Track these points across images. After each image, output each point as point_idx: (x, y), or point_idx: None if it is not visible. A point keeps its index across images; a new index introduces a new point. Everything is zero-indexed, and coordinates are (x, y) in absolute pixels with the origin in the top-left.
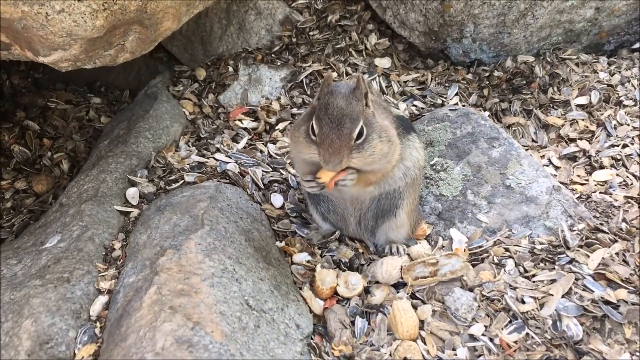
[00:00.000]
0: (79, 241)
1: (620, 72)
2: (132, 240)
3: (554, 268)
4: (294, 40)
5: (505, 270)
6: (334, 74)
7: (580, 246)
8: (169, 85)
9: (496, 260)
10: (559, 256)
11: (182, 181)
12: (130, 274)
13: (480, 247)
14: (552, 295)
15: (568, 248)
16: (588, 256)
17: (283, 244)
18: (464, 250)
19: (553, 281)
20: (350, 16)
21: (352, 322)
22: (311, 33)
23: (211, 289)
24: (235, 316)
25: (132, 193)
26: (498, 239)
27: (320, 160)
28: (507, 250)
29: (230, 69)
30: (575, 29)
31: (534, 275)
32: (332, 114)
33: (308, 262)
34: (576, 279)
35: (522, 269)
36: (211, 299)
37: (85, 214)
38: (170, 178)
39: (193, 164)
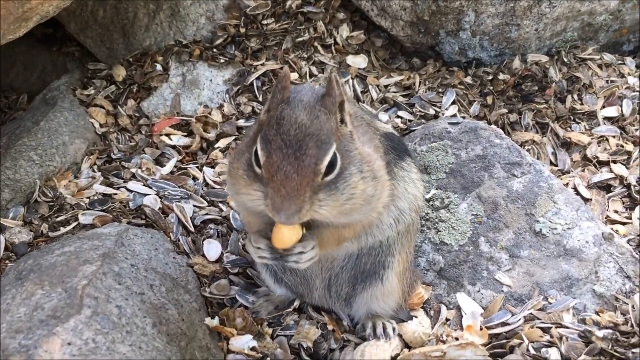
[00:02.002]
0: None
1: None
2: None
3: None
4: (242, 30)
5: None
6: (294, 75)
7: None
8: (76, 87)
9: (532, 350)
10: (633, 351)
11: (76, 223)
12: None
13: (504, 324)
14: None
15: None
16: None
17: (216, 322)
18: (480, 328)
19: None
20: (315, 1)
21: None
22: (265, 22)
23: None
24: None
25: None
26: (530, 313)
27: (267, 208)
28: (545, 332)
29: (159, 67)
30: (595, 23)
31: None
32: (289, 134)
33: (253, 349)
34: None
35: None
36: None
37: None
38: (58, 219)
39: (94, 198)
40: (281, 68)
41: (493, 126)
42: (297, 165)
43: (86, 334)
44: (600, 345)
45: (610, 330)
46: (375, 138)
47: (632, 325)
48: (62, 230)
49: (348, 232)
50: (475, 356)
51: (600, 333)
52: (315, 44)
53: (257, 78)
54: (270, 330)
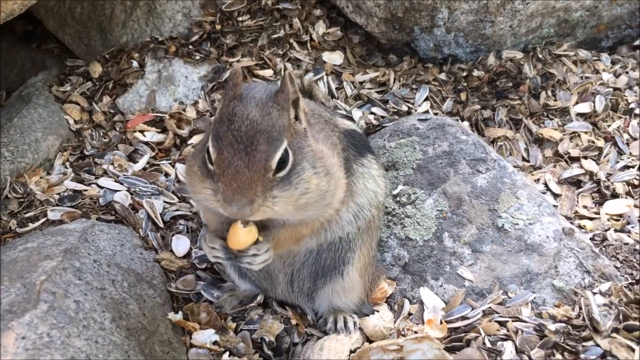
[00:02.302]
0: None
1: (627, 72)
2: None
3: None
4: (218, 27)
5: None
6: (268, 72)
7: (616, 330)
8: (52, 84)
9: (488, 343)
10: (584, 344)
11: (45, 219)
12: None
13: (463, 318)
14: None
15: (597, 331)
16: (632, 349)
17: (179, 316)
18: (441, 322)
19: None
20: None
21: None
22: (240, 19)
23: None
24: None
25: None
26: (489, 307)
27: (219, 203)
28: (502, 325)
29: (135, 63)
30: (571, 20)
31: None
32: (240, 130)
33: (215, 343)
34: None
35: None
36: None
37: None
38: (27, 215)
39: (64, 194)
40: (257, 65)
41: (462, 122)
42: (247, 161)
43: (41, 328)
44: (553, 339)
45: (563, 324)
46: (332, 135)
47: (583, 319)
48: (31, 226)
49: (305, 230)
50: (431, 349)
51: (553, 327)
52: (291, 40)
53: None
54: (234, 325)
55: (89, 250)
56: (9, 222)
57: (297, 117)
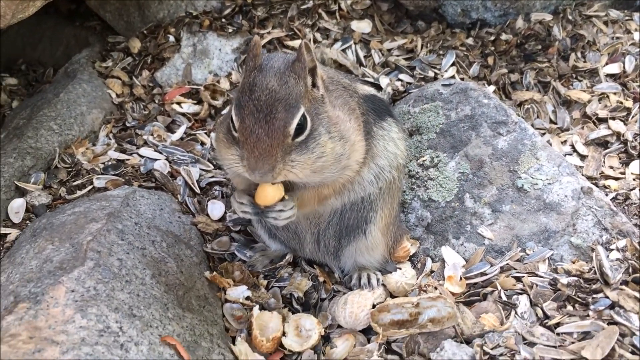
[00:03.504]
0: None
1: None
2: None
3: (587, 315)
4: (249, 0)
5: (517, 314)
6: (297, 42)
7: (625, 282)
8: (95, 60)
9: (504, 297)
10: (594, 296)
11: (91, 187)
12: None
13: (482, 274)
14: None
15: (607, 284)
16: (639, 300)
17: (213, 273)
18: (460, 278)
19: (586, 336)
20: None
21: None
22: None
23: None
24: None
25: (17, 206)
26: (507, 264)
27: (243, 168)
28: (519, 280)
29: (171, 38)
30: None
31: (558, 325)
32: (260, 99)
33: (247, 298)
34: (622, 335)
35: (540, 312)
36: None
37: None
38: (75, 183)
39: (108, 163)
40: (287, 36)
41: (489, 87)
42: (267, 129)
43: (88, 282)
44: (565, 292)
45: (576, 278)
46: (350, 101)
47: (595, 273)
48: (79, 193)
49: (327, 190)
50: (444, 307)
51: (565, 280)
52: (320, 10)
53: (264, 46)
54: (265, 282)
55: (131, 214)
56: (59, 189)
57: (314, 84)
